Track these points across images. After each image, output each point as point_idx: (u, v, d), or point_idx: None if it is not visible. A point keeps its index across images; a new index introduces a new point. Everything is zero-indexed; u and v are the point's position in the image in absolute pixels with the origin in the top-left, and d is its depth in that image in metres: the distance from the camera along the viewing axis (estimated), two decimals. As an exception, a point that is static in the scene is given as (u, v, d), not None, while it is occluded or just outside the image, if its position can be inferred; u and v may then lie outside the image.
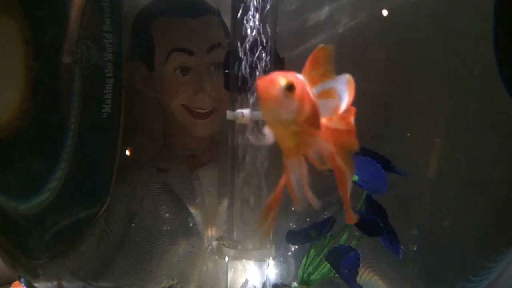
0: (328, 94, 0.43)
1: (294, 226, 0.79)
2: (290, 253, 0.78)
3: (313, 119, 0.42)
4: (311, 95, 0.41)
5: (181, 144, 0.89)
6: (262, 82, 0.38)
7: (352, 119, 0.46)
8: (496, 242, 0.81)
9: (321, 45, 0.42)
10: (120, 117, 0.77)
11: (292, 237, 0.68)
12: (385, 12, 0.77)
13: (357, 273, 0.61)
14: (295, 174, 0.44)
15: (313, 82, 0.42)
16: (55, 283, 0.80)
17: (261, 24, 0.64)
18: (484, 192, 0.80)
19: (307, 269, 0.66)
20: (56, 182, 0.74)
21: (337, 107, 0.44)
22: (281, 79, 0.38)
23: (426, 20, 0.78)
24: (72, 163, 0.74)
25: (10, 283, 0.96)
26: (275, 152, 0.68)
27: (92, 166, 0.79)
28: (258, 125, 0.64)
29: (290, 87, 0.38)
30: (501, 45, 0.71)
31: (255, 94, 0.64)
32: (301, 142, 0.42)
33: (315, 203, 0.45)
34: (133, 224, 0.82)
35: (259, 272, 0.69)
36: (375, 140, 0.73)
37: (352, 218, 0.48)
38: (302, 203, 0.45)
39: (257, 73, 0.64)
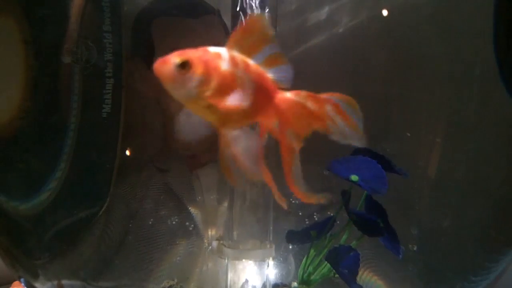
0: (276, 60, 0.43)
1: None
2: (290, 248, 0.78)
3: (231, 91, 0.41)
4: (228, 68, 0.41)
5: (180, 144, 0.89)
6: (158, 61, 0.39)
7: (328, 106, 0.45)
8: (496, 242, 0.81)
9: (253, 15, 0.43)
10: (120, 117, 0.77)
11: (292, 237, 0.68)
12: (385, 12, 0.77)
13: (357, 273, 0.61)
14: (235, 147, 0.44)
15: (249, 51, 0.42)
16: (55, 283, 0.80)
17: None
18: (484, 192, 0.80)
19: (307, 269, 0.66)
20: (56, 182, 0.74)
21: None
22: (174, 57, 0.39)
23: (426, 20, 0.78)
24: (72, 163, 0.74)
25: (10, 283, 0.96)
26: (275, 151, 0.68)
27: (92, 166, 0.79)
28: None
29: (184, 65, 0.38)
30: (501, 45, 0.71)
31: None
32: (225, 116, 0.42)
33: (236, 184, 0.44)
34: (133, 224, 0.82)
35: (259, 272, 0.69)
36: (375, 140, 0.73)
37: (281, 200, 0.47)
38: (238, 179, 0.45)
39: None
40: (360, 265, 0.62)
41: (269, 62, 0.44)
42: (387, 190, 0.60)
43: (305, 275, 0.67)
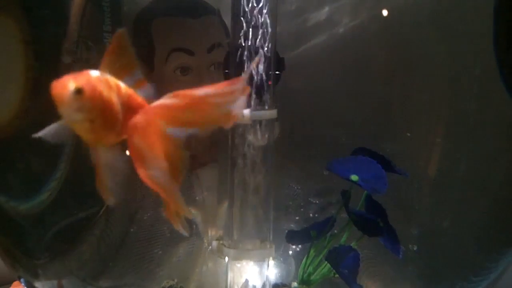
0: (140, 84, 0.49)
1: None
2: (290, 252, 0.78)
3: (109, 115, 0.45)
4: (106, 92, 0.44)
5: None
6: (56, 84, 0.41)
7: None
8: (496, 242, 0.81)
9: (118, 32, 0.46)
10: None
11: (292, 237, 0.68)
12: (385, 12, 0.77)
13: (357, 273, 0.61)
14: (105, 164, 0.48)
15: (120, 74, 0.47)
16: (55, 283, 0.80)
17: (261, 25, 0.64)
18: (484, 192, 0.80)
19: (307, 269, 0.66)
20: (56, 182, 0.74)
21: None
22: (71, 83, 0.41)
23: (426, 20, 0.78)
24: (72, 163, 0.74)
25: (10, 283, 0.97)
26: (275, 151, 0.68)
27: (92, 166, 0.79)
28: (258, 125, 0.64)
29: (78, 91, 0.41)
30: (501, 45, 0.71)
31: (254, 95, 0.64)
32: (99, 136, 0.46)
33: (110, 200, 0.48)
34: (133, 224, 0.82)
35: (259, 272, 0.69)
36: (375, 140, 0.73)
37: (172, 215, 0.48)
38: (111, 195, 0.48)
39: (257, 73, 0.64)
40: (360, 265, 0.62)
41: (135, 86, 0.49)
42: (387, 190, 0.60)
43: (305, 275, 0.67)
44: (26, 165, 0.76)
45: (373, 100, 0.79)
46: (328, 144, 0.80)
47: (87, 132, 0.45)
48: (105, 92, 0.44)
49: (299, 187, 0.82)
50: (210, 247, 0.79)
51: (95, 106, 0.43)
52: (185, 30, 0.83)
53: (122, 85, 0.47)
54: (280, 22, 0.67)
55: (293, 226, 0.79)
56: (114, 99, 0.45)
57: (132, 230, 0.82)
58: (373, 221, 0.61)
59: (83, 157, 0.76)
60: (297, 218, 0.80)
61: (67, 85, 0.42)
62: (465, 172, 0.80)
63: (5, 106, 0.74)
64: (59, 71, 0.73)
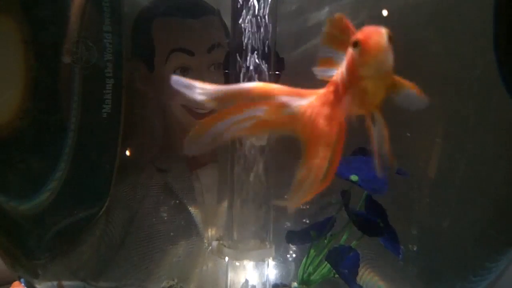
0: None
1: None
2: (291, 252, 0.78)
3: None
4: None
5: (181, 144, 0.89)
6: (365, 34, 0.39)
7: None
8: (496, 242, 0.81)
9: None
10: (120, 117, 0.77)
11: (292, 237, 0.68)
12: (385, 12, 0.77)
13: (357, 273, 0.61)
14: (377, 131, 0.45)
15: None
16: (55, 283, 0.80)
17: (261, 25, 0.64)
18: (484, 192, 0.80)
19: (307, 269, 0.66)
20: (56, 182, 0.74)
21: None
22: (383, 29, 0.39)
23: (426, 20, 0.78)
24: (72, 163, 0.74)
25: (10, 283, 0.96)
26: (275, 152, 0.68)
27: (92, 166, 0.79)
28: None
29: (390, 37, 0.40)
30: (501, 45, 0.71)
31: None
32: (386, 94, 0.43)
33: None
34: (133, 224, 0.82)
35: (259, 272, 0.69)
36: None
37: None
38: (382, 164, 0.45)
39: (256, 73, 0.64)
40: (360, 265, 0.62)
41: None
42: (387, 190, 0.60)
43: (305, 275, 0.67)
44: (26, 165, 0.76)
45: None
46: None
47: (384, 90, 0.43)
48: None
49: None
50: (210, 247, 0.79)
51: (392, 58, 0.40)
52: (185, 31, 0.83)
53: None
54: (280, 22, 0.67)
55: (292, 226, 0.79)
56: None
57: (132, 230, 0.82)
58: (373, 221, 0.61)
59: (83, 157, 0.77)
60: (296, 218, 0.80)
61: (381, 31, 0.39)
62: (465, 172, 0.80)
63: (5, 106, 0.74)
64: (59, 71, 0.73)
